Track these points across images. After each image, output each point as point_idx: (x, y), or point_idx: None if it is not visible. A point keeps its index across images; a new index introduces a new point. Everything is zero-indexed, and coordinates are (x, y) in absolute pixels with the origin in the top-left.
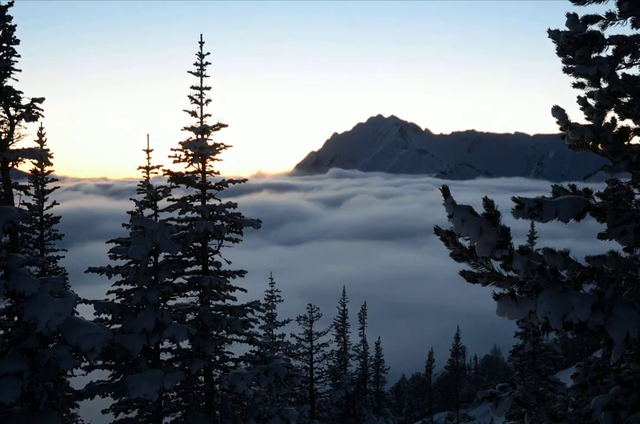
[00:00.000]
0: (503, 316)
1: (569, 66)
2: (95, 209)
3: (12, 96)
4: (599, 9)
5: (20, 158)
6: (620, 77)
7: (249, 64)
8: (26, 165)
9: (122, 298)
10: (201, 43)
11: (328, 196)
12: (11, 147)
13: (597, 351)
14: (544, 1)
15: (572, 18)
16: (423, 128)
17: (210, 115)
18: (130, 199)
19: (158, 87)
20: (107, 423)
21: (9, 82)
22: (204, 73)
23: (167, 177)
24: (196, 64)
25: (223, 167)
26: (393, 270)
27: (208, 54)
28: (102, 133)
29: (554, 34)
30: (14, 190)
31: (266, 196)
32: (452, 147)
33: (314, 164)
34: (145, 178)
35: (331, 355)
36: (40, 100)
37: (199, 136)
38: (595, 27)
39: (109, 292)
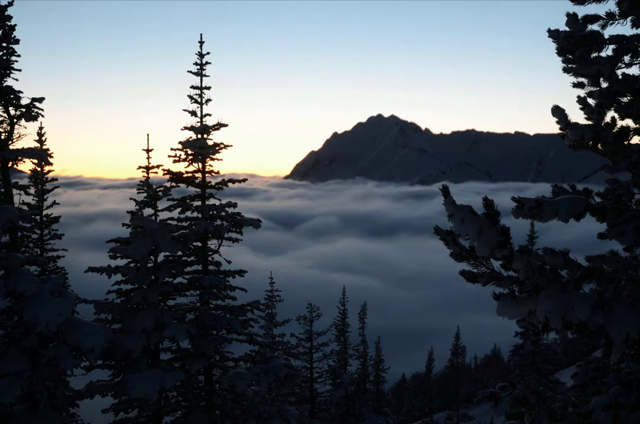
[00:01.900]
0: (503, 316)
1: (569, 66)
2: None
3: (12, 96)
4: (599, 9)
5: (20, 157)
6: (620, 77)
7: (247, 62)
8: (26, 165)
9: (122, 298)
10: (201, 42)
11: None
12: (11, 147)
13: (597, 351)
14: (544, 1)
15: (572, 18)
16: (423, 128)
17: (210, 115)
18: (130, 199)
19: (158, 86)
20: (107, 423)
21: (8, 81)
22: (203, 72)
23: (167, 176)
24: (196, 64)
25: (222, 166)
26: None
27: (208, 53)
28: (100, 133)
29: (554, 34)
30: (14, 189)
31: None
32: (452, 146)
33: (314, 164)
34: (145, 177)
35: (331, 355)
36: (40, 99)
37: (199, 136)
38: (595, 26)
39: (109, 292)
